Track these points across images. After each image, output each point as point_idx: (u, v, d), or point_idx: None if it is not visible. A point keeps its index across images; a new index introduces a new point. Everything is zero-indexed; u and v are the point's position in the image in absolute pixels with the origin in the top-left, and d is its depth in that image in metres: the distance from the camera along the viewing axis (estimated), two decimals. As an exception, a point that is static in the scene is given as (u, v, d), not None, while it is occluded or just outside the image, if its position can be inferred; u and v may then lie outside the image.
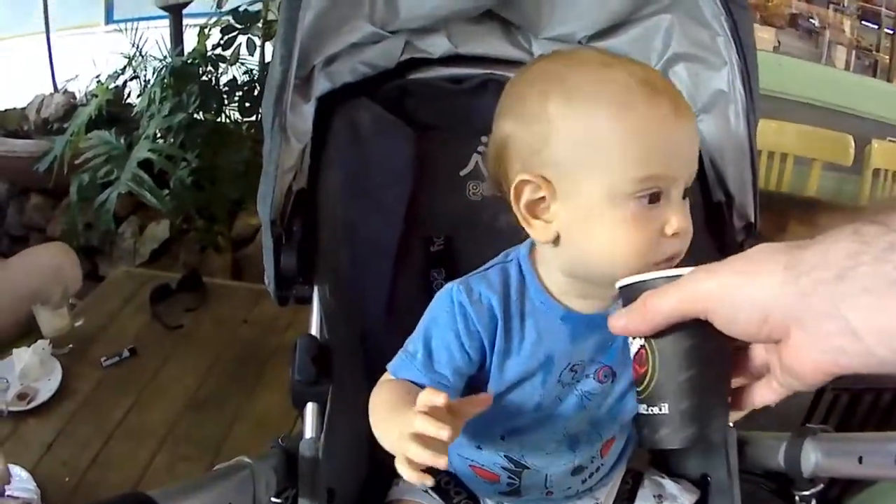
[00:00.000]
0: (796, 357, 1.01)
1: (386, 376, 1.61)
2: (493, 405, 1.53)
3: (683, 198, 1.42)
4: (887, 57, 6.05)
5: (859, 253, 0.89)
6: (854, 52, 6.06)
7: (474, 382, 1.61)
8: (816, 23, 6.01)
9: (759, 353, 1.18)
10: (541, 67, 1.51)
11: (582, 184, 1.39)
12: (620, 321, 1.21)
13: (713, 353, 1.17)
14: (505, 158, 1.49)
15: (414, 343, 1.60)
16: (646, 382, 1.22)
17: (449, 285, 1.59)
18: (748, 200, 1.91)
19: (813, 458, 1.62)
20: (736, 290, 1.03)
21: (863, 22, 6.09)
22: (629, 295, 1.24)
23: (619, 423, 1.71)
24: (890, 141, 5.14)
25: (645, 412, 1.23)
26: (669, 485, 1.86)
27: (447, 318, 1.57)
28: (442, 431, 1.24)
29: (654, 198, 1.36)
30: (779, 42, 5.92)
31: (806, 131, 4.95)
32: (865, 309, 0.88)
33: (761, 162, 4.79)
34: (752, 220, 1.92)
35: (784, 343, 1.02)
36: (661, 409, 1.20)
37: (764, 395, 1.20)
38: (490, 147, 1.54)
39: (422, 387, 1.47)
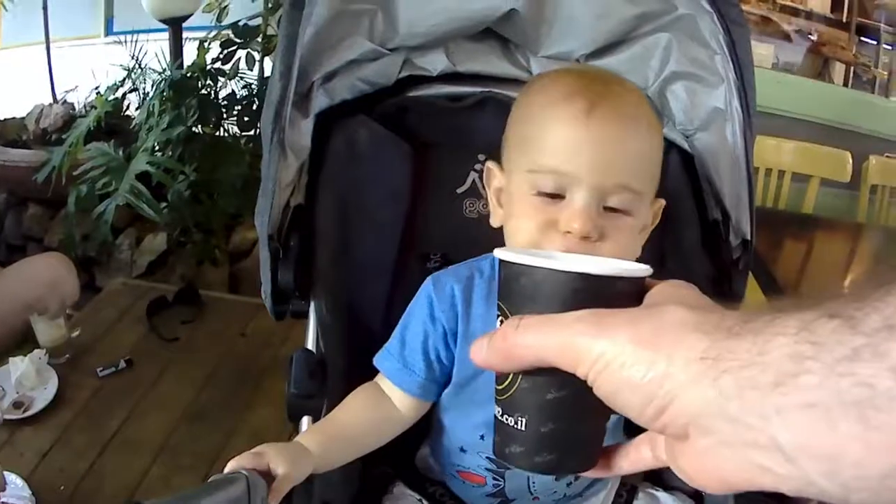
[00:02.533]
0: (697, 461, 0.79)
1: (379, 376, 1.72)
2: (464, 393, 1.67)
3: (614, 210, 1.44)
4: (886, 73, 6.06)
5: (805, 357, 0.66)
6: (852, 68, 6.08)
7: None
8: (815, 39, 6.02)
9: None
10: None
11: (512, 172, 1.54)
12: (480, 353, 0.94)
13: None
14: None
15: (394, 333, 1.70)
16: (507, 383, 0.97)
17: (428, 278, 1.70)
18: (744, 218, 1.91)
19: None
20: (630, 368, 0.77)
21: (861, 38, 6.10)
22: (510, 275, 0.99)
23: None
24: (888, 157, 5.15)
25: (500, 418, 1.00)
26: (664, 497, 1.86)
27: (418, 307, 1.68)
28: None
29: (555, 195, 1.43)
30: (777, 58, 5.93)
31: (803, 148, 4.95)
32: (803, 429, 0.66)
33: (759, 179, 4.81)
34: (749, 237, 1.92)
35: (682, 442, 0.79)
36: (517, 424, 0.97)
37: (627, 465, 1.00)
38: None
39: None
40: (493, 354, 0.91)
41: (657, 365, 0.75)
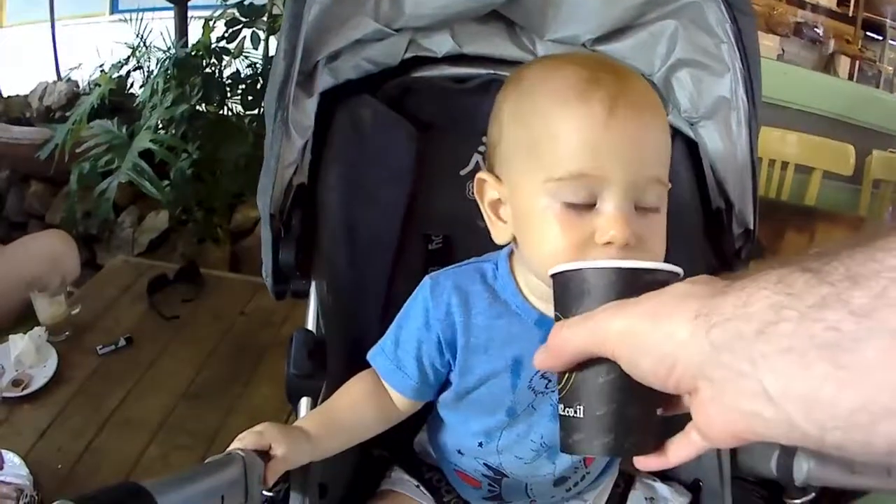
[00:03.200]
0: (705, 414, 0.90)
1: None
2: (464, 402, 1.65)
3: (645, 209, 1.37)
4: (890, 68, 6.06)
5: (782, 306, 0.77)
6: (857, 62, 6.07)
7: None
8: (821, 32, 6.02)
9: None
10: (520, 68, 1.53)
11: (521, 184, 1.42)
12: (539, 356, 1.11)
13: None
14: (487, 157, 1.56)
15: (389, 330, 1.67)
16: (564, 380, 1.13)
17: (426, 277, 1.65)
18: (748, 208, 1.90)
19: (805, 466, 1.60)
20: (641, 336, 0.94)
21: (867, 33, 6.09)
22: (561, 286, 1.17)
23: None
24: (890, 152, 5.15)
25: (562, 413, 1.14)
26: (661, 488, 1.87)
27: (414, 308, 1.63)
28: None
29: (587, 202, 1.33)
30: (783, 50, 5.92)
31: (807, 140, 4.94)
32: (784, 372, 0.77)
33: (762, 169, 4.81)
34: (751, 227, 1.91)
35: (693, 397, 0.92)
36: (577, 413, 1.11)
37: (681, 451, 1.08)
38: None
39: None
40: (546, 355, 1.09)
41: (661, 329, 0.90)
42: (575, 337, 1.03)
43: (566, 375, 1.12)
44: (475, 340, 1.58)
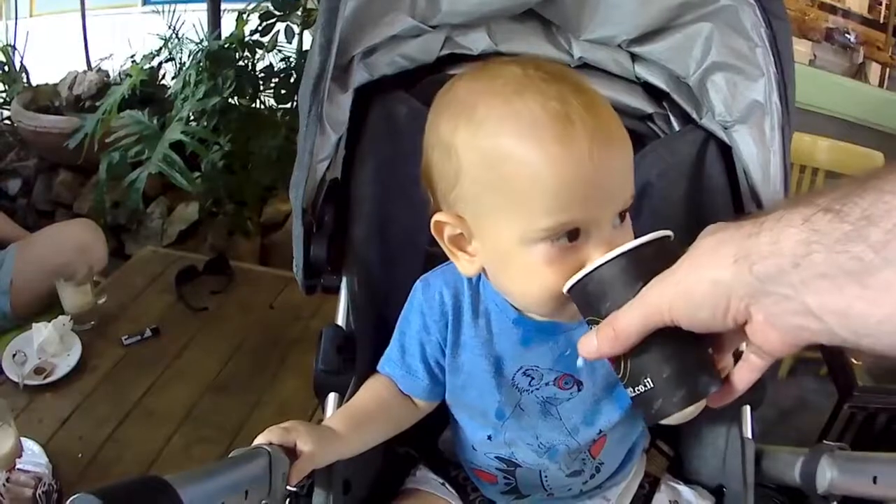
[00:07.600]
0: (763, 334, 1.04)
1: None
2: (458, 403, 1.70)
3: (622, 221, 1.37)
4: (922, 76, 6.03)
5: (811, 242, 0.91)
6: (888, 69, 6.04)
7: None
8: (852, 38, 5.99)
9: (731, 334, 1.18)
10: (458, 90, 1.46)
11: (493, 226, 1.39)
12: (591, 346, 1.19)
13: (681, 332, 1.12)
14: (430, 183, 1.52)
15: (393, 338, 1.70)
16: (622, 368, 1.21)
17: (418, 280, 1.69)
18: (780, 214, 1.87)
19: (828, 474, 1.61)
20: (692, 292, 1.05)
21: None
22: (581, 294, 1.26)
23: (598, 429, 1.68)
24: (920, 159, 5.11)
25: (634, 396, 1.23)
26: (686, 491, 1.87)
27: (411, 314, 1.67)
28: None
29: (572, 236, 1.31)
30: (814, 55, 5.90)
31: (838, 147, 4.91)
32: (823, 293, 0.91)
33: (793, 175, 4.78)
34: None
35: (749, 324, 1.05)
36: (647, 386, 1.19)
37: (744, 376, 1.22)
38: (422, 162, 1.55)
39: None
40: (604, 342, 1.18)
41: (707, 279, 1.03)
42: (636, 318, 1.13)
43: (621, 362, 1.21)
44: (462, 338, 1.62)
